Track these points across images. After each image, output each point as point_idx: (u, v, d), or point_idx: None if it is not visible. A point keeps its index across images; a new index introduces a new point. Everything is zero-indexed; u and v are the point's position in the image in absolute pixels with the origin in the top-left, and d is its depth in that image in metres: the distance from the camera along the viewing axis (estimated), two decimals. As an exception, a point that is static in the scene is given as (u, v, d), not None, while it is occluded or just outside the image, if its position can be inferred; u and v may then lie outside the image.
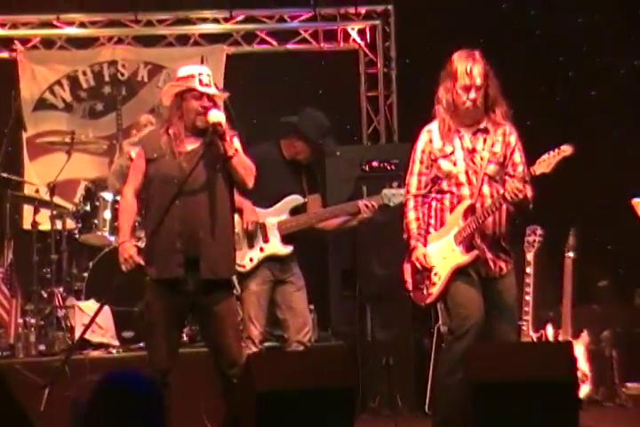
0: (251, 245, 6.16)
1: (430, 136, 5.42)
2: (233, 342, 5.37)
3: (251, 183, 5.37)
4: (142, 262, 5.31)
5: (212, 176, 5.29)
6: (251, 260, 6.14)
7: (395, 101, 9.05)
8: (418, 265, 5.34)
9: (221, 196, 5.32)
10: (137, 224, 6.64)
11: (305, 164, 6.31)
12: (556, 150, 5.08)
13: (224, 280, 5.40)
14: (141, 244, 5.66)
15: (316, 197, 6.38)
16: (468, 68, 5.24)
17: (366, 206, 6.21)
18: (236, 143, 5.37)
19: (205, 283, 5.26)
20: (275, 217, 6.21)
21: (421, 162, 5.42)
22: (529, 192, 5.22)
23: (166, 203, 5.19)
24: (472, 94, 5.25)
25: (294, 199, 6.27)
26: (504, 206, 5.26)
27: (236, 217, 5.82)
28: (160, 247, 5.26)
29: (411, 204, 5.44)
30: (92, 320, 5.99)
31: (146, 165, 5.37)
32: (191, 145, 5.34)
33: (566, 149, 5.07)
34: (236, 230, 5.90)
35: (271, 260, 6.17)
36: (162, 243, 5.26)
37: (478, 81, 5.24)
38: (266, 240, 6.19)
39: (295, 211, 6.27)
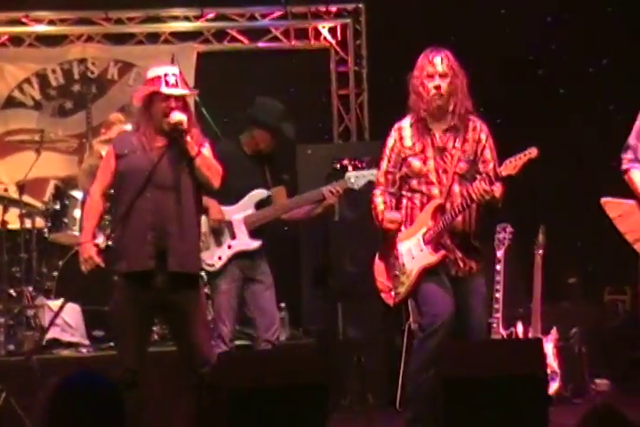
0: (218, 244, 6.16)
1: (401, 134, 5.44)
2: (204, 342, 5.38)
3: (216, 185, 5.39)
4: (102, 264, 5.32)
5: (180, 173, 5.31)
6: (219, 258, 6.13)
7: (366, 100, 9.07)
8: (390, 226, 5.34)
9: (188, 193, 5.33)
10: (107, 223, 6.64)
11: (267, 156, 6.31)
12: (523, 153, 5.12)
13: (192, 276, 5.41)
14: (103, 243, 5.65)
15: (281, 189, 6.38)
16: (430, 57, 5.33)
17: (331, 192, 6.22)
18: (207, 149, 5.40)
19: (174, 279, 5.26)
20: (240, 213, 6.22)
21: (389, 160, 5.45)
22: (498, 191, 5.25)
23: (137, 195, 5.20)
24: (436, 81, 5.30)
25: (258, 193, 6.27)
26: (473, 205, 5.29)
27: (203, 217, 5.83)
28: (131, 240, 5.26)
29: (377, 192, 5.46)
30: (56, 316, 6.00)
31: (116, 161, 5.38)
32: (161, 143, 5.36)
33: (532, 152, 5.11)
34: (203, 230, 5.91)
35: (240, 257, 6.17)
36: (133, 235, 5.26)
37: (440, 68, 5.30)
38: (233, 237, 6.19)
39: (260, 205, 6.28)
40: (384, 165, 5.48)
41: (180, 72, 5.47)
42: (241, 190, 6.20)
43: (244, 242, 6.18)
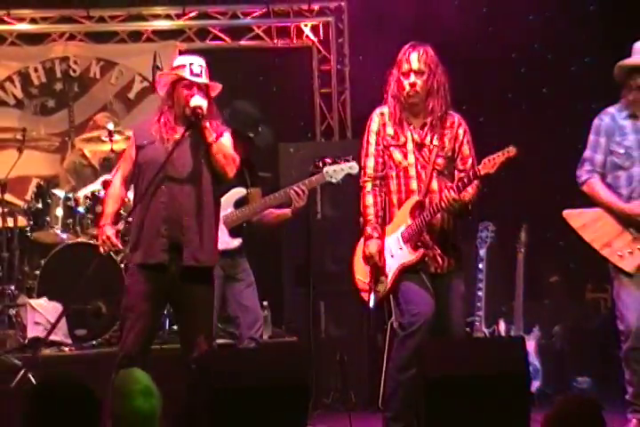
0: None
1: (384, 120, 5.40)
2: (201, 335, 5.36)
3: (231, 173, 5.43)
4: (120, 245, 5.42)
5: (197, 164, 5.36)
6: None
7: (348, 98, 9.06)
8: (369, 261, 5.35)
9: (206, 184, 5.39)
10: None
11: (245, 159, 6.33)
12: (501, 151, 5.12)
13: (206, 269, 5.43)
14: (122, 227, 5.70)
15: (257, 191, 6.41)
16: (407, 53, 5.31)
17: (297, 194, 6.20)
18: (227, 138, 5.42)
19: (187, 271, 5.30)
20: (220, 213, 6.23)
21: (377, 143, 5.40)
22: (469, 194, 5.24)
23: (152, 188, 5.26)
24: (411, 79, 5.28)
25: (237, 192, 6.30)
26: None
27: None
28: (145, 232, 5.31)
29: (369, 186, 5.41)
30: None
31: (136, 152, 5.44)
32: (179, 134, 5.39)
33: (511, 151, 5.11)
34: None
35: (221, 255, 6.17)
36: (147, 228, 5.31)
37: (415, 65, 5.28)
38: None
39: (240, 203, 6.30)
40: (372, 148, 5.41)
41: (208, 65, 5.46)
42: (221, 192, 6.20)
43: (225, 241, 6.18)
